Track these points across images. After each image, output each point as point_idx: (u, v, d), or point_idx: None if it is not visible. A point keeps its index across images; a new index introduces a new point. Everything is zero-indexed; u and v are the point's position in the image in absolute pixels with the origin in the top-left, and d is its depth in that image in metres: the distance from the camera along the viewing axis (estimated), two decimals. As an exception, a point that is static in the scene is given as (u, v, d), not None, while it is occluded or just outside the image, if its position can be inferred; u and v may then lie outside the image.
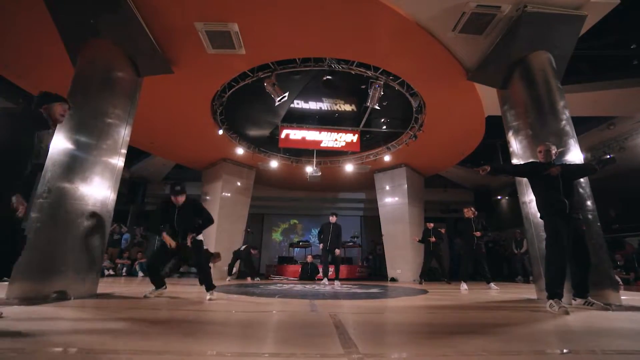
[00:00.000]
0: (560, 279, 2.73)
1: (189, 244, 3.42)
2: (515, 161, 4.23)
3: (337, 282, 6.76)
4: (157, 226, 3.59)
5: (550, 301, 2.67)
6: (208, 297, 3.31)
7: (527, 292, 4.91)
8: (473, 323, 2.15)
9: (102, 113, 3.81)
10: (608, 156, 7.61)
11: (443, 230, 8.05)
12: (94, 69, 3.99)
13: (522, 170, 3.37)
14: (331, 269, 7.30)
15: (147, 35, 4.37)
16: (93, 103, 3.80)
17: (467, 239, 5.96)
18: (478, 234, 5.92)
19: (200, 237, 3.57)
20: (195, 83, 5.80)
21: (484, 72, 4.82)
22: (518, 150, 4.17)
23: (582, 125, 7.61)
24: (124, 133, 4.09)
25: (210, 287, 3.43)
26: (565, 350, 1.41)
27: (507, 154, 4.45)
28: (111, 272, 8.64)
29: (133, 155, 10.56)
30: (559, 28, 4.07)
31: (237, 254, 8.25)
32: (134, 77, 4.41)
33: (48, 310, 2.37)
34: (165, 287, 3.56)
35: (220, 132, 7.54)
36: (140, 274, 9.17)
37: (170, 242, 3.41)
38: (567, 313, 2.48)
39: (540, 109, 3.97)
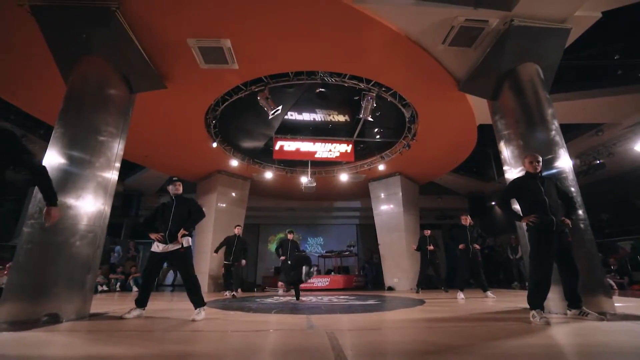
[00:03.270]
0: (541, 292, 2.82)
1: (179, 240, 3.31)
2: (506, 168, 4.30)
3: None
4: (149, 223, 3.55)
5: (533, 312, 2.76)
6: (193, 316, 3.08)
7: (522, 299, 4.92)
8: (471, 339, 2.15)
9: (95, 130, 3.79)
10: (598, 162, 7.77)
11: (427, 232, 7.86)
12: (86, 86, 3.97)
13: (508, 198, 3.34)
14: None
15: (139, 52, 4.39)
16: (86, 120, 3.78)
17: (465, 247, 5.97)
18: (477, 247, 5.95)
19: (188, 242, 3.43)
20: (188, 97, 5.82)
21: (474, 83, 4.91)
22: (510, 159, 4.23)
23: (572, 131, 7.78)
24: (118, 148, 4.07)
25: (198, 303, 3.22)
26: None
27: (499, 161, 4.52)
28: (105, 287, 8.49)
29: (127, 168, 10.50)
30: (545, 40, 4.18)
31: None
32: (127, 94, 4.41)
33: (38, 336, 2.31)
34: (144, 309, 3.41)
35: (215, 144, 7.54)
36: (135, 288, 9.02)
37: (157, 236, 3.34)
38: (548, 324, 2.56)
39: (530, 119, 4.05)
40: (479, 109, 5.96)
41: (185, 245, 3.36)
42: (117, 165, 4.06)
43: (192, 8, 3.97)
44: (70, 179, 3.47)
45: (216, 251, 7.21)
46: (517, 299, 5.24)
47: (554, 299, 3.28)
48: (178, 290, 10.20)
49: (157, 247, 3.35)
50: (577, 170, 7.83)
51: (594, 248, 3.40)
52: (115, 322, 2.98)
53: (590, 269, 3.26)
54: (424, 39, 4.57)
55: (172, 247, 3.33)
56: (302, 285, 8.46)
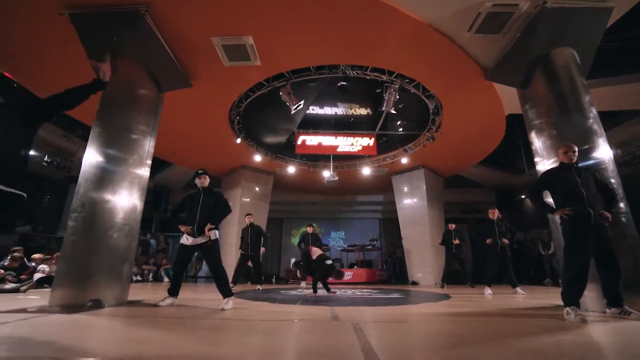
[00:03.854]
0: (576, 288, 2.68)
1: (206, 234, 3.39)
2: (537, 160, 4.10)
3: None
4: (176, 214, 3.68)
5: (567, 309, 2.62)
6: (222, 306, 3.18)
7: (555, 296, 4.72)
8: (499, 334, 2.10)
9: (127, 129, 4.00)
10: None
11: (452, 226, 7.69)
12: (119, 87, 4.17)
13: (539, 190, 3.13)
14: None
15: (166, 53, 4.56)
16: (119, 120, 4.00)
17: (492, 242, 5.78)
18: (506, 241, 5.74)
19: (216, 235, 3.49)
20: (213, 95, 5.98)
21: (502, 71, 4.70)
22: (541, 150, 4.04)
23: (610, 119, 7.27)
24: (149, 145, 4.28)
25: (226, 293, 3.34)
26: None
27: (530, 152, 4.32)
28: (138, 277, 8.98)
29: (156, 164, 10.98)
30: (583, 22, 3.91)
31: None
32: (156, 93, 4.61)
33: (86, 319, 2.51)
34: (176, 298, 3.57)
35: (238, 140, 7.72)
36: (166, 279, 9.48)
37: (186, 228, 3.45)
38: (584, 321, 2.44)
39: (565, 108, 3.83)
40: (508, 98, 5.70)
41: (212, 238, 3.46)
42: (149, 162, 4.27)
43: (215, 7, 4.06)
44: (107, 176, 3.69)
45: (240, 247, 6.90)
46: (549, 296, 5.04)
47: (591, 296, 3.12)
48: (208, 281, 10.62)
49: (187, 240, 3.47)
50: (619, 161, 7.31)
51: (637, 243, 3.19)
52: (150, 309, 3.17)
53: (634, 266, 3.06)
54: (448, 27, 4.42)
55: (200, 240, 3.45)
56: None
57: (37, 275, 5.59)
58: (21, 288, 5.02)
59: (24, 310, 2.91)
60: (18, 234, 8.18)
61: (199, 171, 3.73)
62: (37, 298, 4.13)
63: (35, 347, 1.59)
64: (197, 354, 1.52)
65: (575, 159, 2.96)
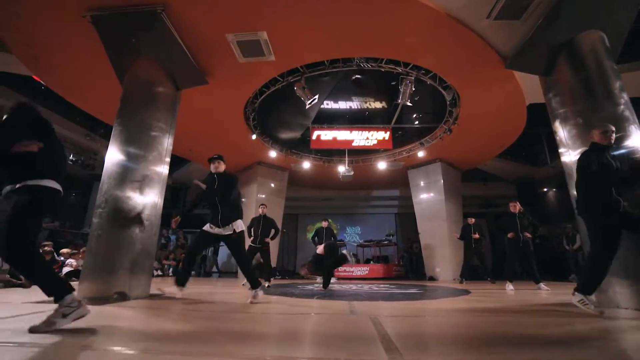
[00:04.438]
0: (600, 278, 2.64)
1: (231, 226, 3.27)
2: (562, 150, 3.92)
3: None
4: (194, 207, 3.58)
5: (585, 297, 2.61)
6: (250, 299, 3.12)
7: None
8: (523, 328, 2.04)
9: (147, 126, 4.10)
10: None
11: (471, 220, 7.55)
12: (139, 86, 4.30)
13: (596, 170, 2.73)
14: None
15: (183, 51, 4.63)
16: (139, 118, 4.10)
17: (514, 236, 5.61)
18: (529, 235, 5.54)
19: (242, 227, 3.37)
20: (228, 91, 6.04)
21: (523, 58, 4.50)
22: (566, 140, 3.86)
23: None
24: (167, 143, 4.37)
25: (255, 284, 3.23)
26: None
27: (553, 143, 4.14)
28: (159, 272, 9.27)
29: (174, 162, 11.24)
30: (613, 3, 3.69)
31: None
32: (174, 91, 4.69)
33: (112, 310, 2.61)
34: (183, 288, 3.48)
35: (254, 136, 7.78)
36: (186, 274, 9.73)
37: (200, 184, 3.33)
38: (602, 313, 2.46)
39: (592, 94, 3.64)
40: (529, 86, 5.49)
41: (238, 230, 3.34)
42: (167, 159, 4.36)
43: (229, 3, 4.08)
44: (128, 173, 3.80)
45: (249, 235, 6.18)
46: (575, 292, 4.85)
47: (624, 292, 2.98)
48: (223, 276, 10.85)
49: (211, 229, 3.32)
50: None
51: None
52: (171, 302, 3.26)
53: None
54: (465, 15, 4.28)
55: (225, 231, 3.31)
56: (342, 274, 8.53)
57: (65, 269, 5.86)
58: (51, 281, 5.26)
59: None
60: (47, 229, 8.57)
61: (214, 156, 3.54)
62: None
63: (68, 337, 1.66)
64: (214, 346, 1.55)
65: (613, 140, 2.82)
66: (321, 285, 5.22)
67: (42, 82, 6.10)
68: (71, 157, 8.94)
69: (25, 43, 4.81)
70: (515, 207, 5.76)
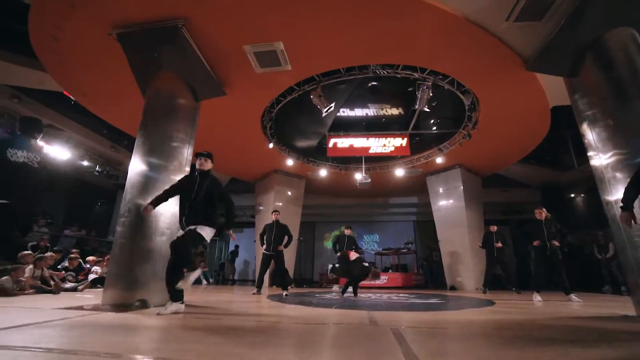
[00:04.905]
0: None
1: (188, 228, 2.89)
2: (591, 154, 3.73)
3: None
4: (161, 200, 3.18)
5: None
6: (159, 311, 2.72)
7: (618, 305, 4.27)
8: (557, 343, 1.91)
9: (168, 137, 4.22)
10: None
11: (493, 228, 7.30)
12: (160, 98, 4.44)
13: None
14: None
15: (202, 63, 4.78)
16: (161, 129, 4.23)
17: (540, 244, 5.35)
18: (557, 243, 5.27)
19: (204, 232, 2.96)
20: (246, 102, 6.16)
21: (546, 60, 4.36)
22: (596, 142, 3.67)
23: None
24: (187, 153, 4.48)
25: (175, 296, 2.78)
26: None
27: (579, 147, 3.95)
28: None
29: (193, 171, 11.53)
30: (642, -3, 3.53)
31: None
32: (193, 102, 4.83)
33: (135, 317, 2.66)
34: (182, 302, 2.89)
35: (271, 145, 7.87)
36: (204, 282, 9.88)
37: (147, 207, 3.00)
38: None
39: (623, 94, 3.46)
40: (553, 89, 5.29)
41: (199, 231, 2.95)
42: (187, 169, 4.46)
43: (246, 15, 4.19)
44: (150, 183, 3.90)
45: (262, 242, 6.17)
46: (610, 305, 4.56)
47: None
48: (240, 284, 10.89)
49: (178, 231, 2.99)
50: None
51: None
52: (191, 309, 3.29)
53: None
54: (483, 17, 4.20)
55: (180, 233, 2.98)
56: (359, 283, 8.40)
57: (91, 276, 6.06)
58: (79, 287, 5.46)
59: (81, 308, 3.15)
60: (74, 237, 8.93)
61: (203, 152, 3.23)
62: (92, 297, 4.46)
63: (91, 343, 1.69)
64: (234, 355, 1.53)
65: None
66: (340, 293, 5.20)
67: (71, 97, 6.44)
68: (97, 168, 9.34)
69: (58, 62, 5.10)
70: (542, 214, 5.51)
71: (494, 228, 7.21)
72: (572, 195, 11.14)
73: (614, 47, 3.66)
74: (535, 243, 5.38)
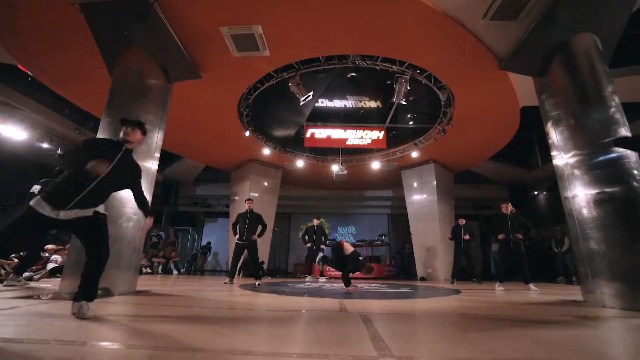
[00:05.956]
0: None
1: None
2: (554, 153, 3.95)
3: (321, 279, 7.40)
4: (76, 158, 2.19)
5: None
6: (74, 310, 2.02)
7: (570, 293, 4.59)
8: (512, 325, 2.02)
9: (137, 119, 3.99)
10: None
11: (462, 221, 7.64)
12: (129, 77, 4.19)
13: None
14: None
15: (175, 43, 4.54)
16: (128, 110, 3.97)
17: (505, 237, 5.63)
18: (520, 236, 5.56)
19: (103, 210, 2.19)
20: (222, 86, 5.96)
21: (518, 60, 4.52)
22: (559, 141, 3.88)
23: (633, 112, 6.96)
24: (157, 137, 4.28)
25: (88, 294, 2.15)
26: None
27: (544, 147, 4.16)
28: (148, 269, 9.11)
29: (166, 158, 11.08)
30: (607, 6, 3.72)
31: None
32: (165, 84, 4.60)
33: (94, 306, 2.52)
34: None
35: (247, 133, 7.70)
36: (175, 271, 9.61)
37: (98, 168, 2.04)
38: None
39: (585, 97, 3.67)
40: (523, 89, 5.52)
41: (102, 211, 2.20)
42: (157, 155, 4.27)
43: (224, -5, 4.01)
44: (116, 166, 3.69)
45: (235, 232, 5.97)
46: (564, 292, 4.90)
47: (609, 293, 3.02)
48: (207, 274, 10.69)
49: (44, 209, 1.94)
50: None
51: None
52: (158, 298, 3.18)
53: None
54: (462, 14, 4.28)
55: (77, 213, 2.05)
56: (333, 274, 8.50)
57: (50, 265, 5.70)
58: (34, 277, 5.12)
59: (36, 297, 2.95)
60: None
61: (133, 120, 2.47)
62: (50, 286, 4.20)
63: (42, 330, 1.58)
64: (202, 342, 1.49)
65: None
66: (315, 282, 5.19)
67: (28, 72, 5.93)
68: (59, 151, 8.72)
69: (12, 32, 4.66)
70: (507, 209, 5.79)
71: (462, 221, 7.50)
72: (536, 192, 11.81)
73: (578, 51, 3.85)
74: (501, 236, 5.66)
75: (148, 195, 3.95)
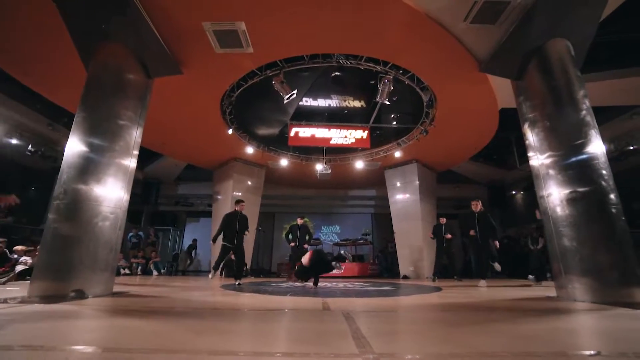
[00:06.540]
0: None
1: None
2: (531, 154, 4.08)
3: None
4: None
5: None
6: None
7: (544, 290, 4.77)
8: (491, 320, 2.08)
9: (114, 115, 3.85)
10: (631, 148, 7.27)
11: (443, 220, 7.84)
12: (106, 72, 4.02)
13: None
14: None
15: (156, 37, 4.41)
16: (105, 106, 3.84)
17: (475, 234, 5.81)
18: (472, 232, 5.76)
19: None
20: (204, 83, 5.83)
21: (497, 62, 4.66)
22: (535, 143, 4.02)
23: (602, 114, 7.32)
24: (136, 134, 4.13)
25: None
26: (592, 352, 1.34)
27: (522, 148, 4.31)
28: (127, 271, 8.82)
29: (146, 156, 10.75)
30: (578, 13, 3.88)
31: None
32: (145, 79, 4.45)
33: (65, 308, 2.41)
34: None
35: (230, 131, 7.58)
36: (155, 272, 9.36)
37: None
38: None
39: (558, 100, 3.82)
40: (502, 91, 5.70)
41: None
42: (136, 152, 4.11)
43: (206, -10, 3.92)
44: (91, 164, 3.54)
45: (214, 240, 5.86)
46: (537, 289, 5.09)
47: (580, 288, 3.17)
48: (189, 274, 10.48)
49: None
50: (609, 157, 7.37)
51: (627, 236, 3.20)
52: (136, 299, 3.07)
53: (624, 259, 3.09)
54: (444, 16, 4.36)
55: None
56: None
57: (19, 268, 5.42)
58: (1, 280, 4.86)
59: (3, 301, 2.79)
60: None
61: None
62: (18, 289, 3.99)
63: (7, 335, 1.49)
64: (181, 343, 1.44)
65: None
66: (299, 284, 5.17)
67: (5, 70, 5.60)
68: (29, 147, 8.30)
69: (-23, 19, 4.39)
70: (477, 206, 5.97)
71: (443, 220, 7.67)
72: (514, 192, 12.23)
73: (553, 55, 4.01)
74: (471, 233, 5.83)
75: (126, 194, 3.85)
